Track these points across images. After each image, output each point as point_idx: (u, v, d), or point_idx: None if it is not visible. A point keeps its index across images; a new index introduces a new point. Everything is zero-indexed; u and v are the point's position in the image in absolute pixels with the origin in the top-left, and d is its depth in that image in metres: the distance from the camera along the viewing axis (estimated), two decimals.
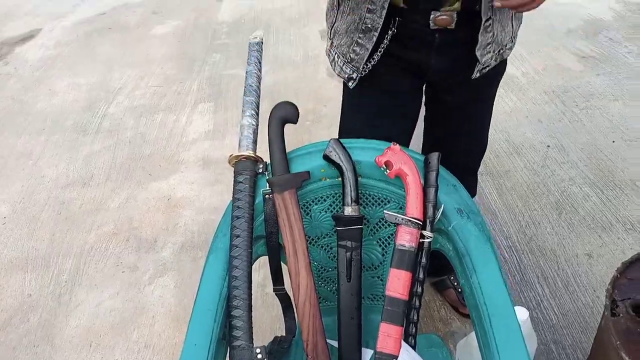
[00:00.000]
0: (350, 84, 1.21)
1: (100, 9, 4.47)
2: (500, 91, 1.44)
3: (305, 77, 3.19)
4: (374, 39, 1.11)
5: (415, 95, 1.31)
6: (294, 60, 3.38)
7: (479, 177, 1.65)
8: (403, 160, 0.98)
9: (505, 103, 2.79)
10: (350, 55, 1.17)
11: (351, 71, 1.19)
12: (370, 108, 1.28)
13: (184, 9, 4.36)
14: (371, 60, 1.15)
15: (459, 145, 1.41)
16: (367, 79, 1.19)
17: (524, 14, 1.13)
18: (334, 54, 1.23)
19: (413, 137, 1.39)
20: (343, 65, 1.20)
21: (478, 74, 1.19)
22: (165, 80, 3.29)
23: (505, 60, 1.30)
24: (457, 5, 1.07)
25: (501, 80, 1.38)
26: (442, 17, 1.08)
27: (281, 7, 4.18)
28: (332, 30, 1.21)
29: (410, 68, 1.20)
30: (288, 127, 1.00)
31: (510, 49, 1.25)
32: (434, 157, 0.98)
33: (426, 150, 1.48)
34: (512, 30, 1.22)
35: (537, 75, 3.01)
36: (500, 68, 1.30)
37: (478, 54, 1.14)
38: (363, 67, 1.17)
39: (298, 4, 4.20)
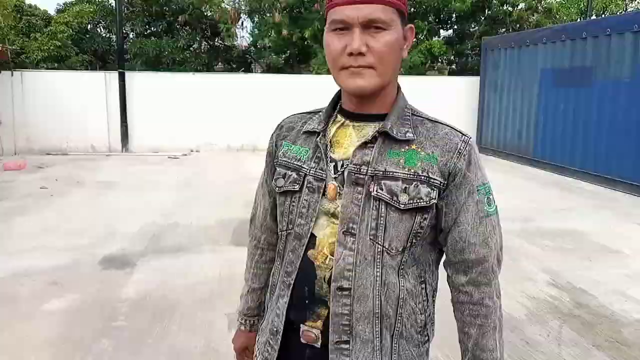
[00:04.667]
0: None
1: None
2: None
3: None
4: (279, 342, 1.20)
5: None
6: (191, 353, 3.02)
7: None
8: None
9: None
10: (264, 354, 1.24)
11: None
12: None
13: (88, 280, 4.08)
14: None
15: None
16: None
17: None
18: (256, 350, 1.30)
19: None
20: None
21: None
22: None
23: None
24: (319, 323, 1.14)
25: None
26: (308, 333, 1.15)
27: (193, 284, 3.99)
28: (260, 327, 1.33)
29: None
30: None
31: None
32: None
33: None
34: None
35: None
36: None
37: None
38: None
39: (212, 281, 4.04)
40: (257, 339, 1.33)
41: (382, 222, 1.09)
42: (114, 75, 11.21)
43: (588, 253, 4.92)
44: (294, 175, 1.18)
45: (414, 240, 1.11)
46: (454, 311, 1.19)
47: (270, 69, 12.99)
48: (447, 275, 1.19)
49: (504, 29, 15.52)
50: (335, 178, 1.13)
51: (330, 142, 1.16)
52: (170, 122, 11.22)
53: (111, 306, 3.62)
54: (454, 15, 16.07)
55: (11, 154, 10.74)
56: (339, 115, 1.19)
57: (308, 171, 1.16)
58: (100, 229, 5.47)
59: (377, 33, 1.04)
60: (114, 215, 6.01)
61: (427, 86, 12.33)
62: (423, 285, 1.16)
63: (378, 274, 1.10)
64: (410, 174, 1.08)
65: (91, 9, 14.08)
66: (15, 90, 10.75)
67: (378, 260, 1.10)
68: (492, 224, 1.14)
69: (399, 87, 1.19)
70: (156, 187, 7.73)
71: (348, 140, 1.15)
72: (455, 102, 12.35)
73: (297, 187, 1.17)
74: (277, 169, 1.23)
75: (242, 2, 13.22)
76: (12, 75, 10.70)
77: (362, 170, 1.10)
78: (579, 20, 16.33)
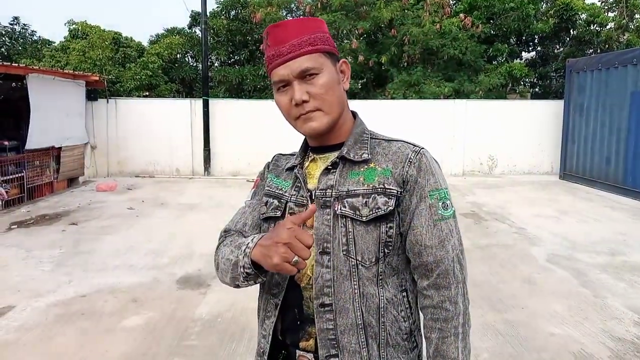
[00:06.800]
0: None
1: (83, 291, 4.43)
2: None
3: None
4: None
5: None
6: None
7: None
8: None
9: None
10: None
11: None
12: None
13: (165, 299, 4.29)
14: None
15: None
16: None
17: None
18: None
19: None
20: None
21: None
22: None
23: None
24: (311, 342, 1.19)
25: None
26: (303, 358, 1.20)
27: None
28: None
29: None
30: None
31: None
32: None
33: None
34: None
35: None
36: None
37: None
38: None
39: None
40: None
41: (351, 237, 1.17)
42: (198, 103, 11.82)
43: None
44: (276, 202, 1.28)
45: (385, 250, 1.18)
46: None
47: (348, 93, 13.17)
48: (415, 279, 1.23)
49: (591, 50, 14.81)
50: None
51: (304, 174, 1.28)
52: (249, 147, 11.61)
53: (185, 325, 3.78)
54: (536, 37, 15.57)
55: (104, 175, 11.55)
56: (310, 153, 1.32)
57: (289, 198, 1.26)
58: (180, 249, 5.75)
59: (312, 79, 1.17)
60: (193, 236, 6.29)
61: (508, 110, 11.98)
62: (404, 294, 1.21)
63: (355, 286, 1.16)
64: (369, 189, 1.18)
65: (181, 40, 14.94)
66: (110, 117, 11.60)
67: (354, 273, 1.17)
68: (448, 228, 1.18)
69: (356, 115, 1.33)
70: (234, 210, 7.98)
71: (317, 171, 1.27)
72: (538, 127, 11.88)
73: (278, 214, 1.26)
74: (263, 197, 1.34)
75: None
76: (107, 102, 11.57)
77: (327, 193, 1.20)
78: None
